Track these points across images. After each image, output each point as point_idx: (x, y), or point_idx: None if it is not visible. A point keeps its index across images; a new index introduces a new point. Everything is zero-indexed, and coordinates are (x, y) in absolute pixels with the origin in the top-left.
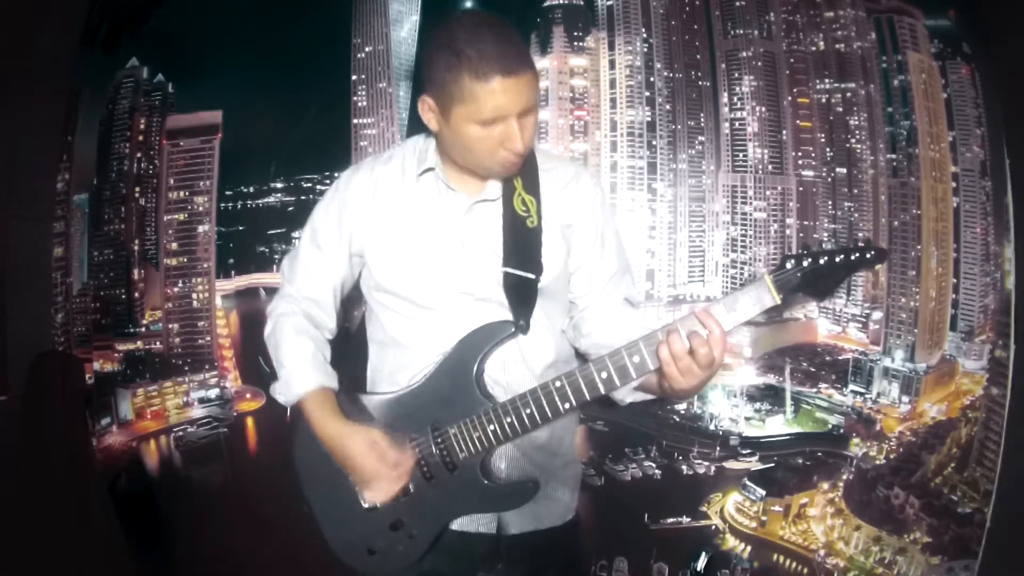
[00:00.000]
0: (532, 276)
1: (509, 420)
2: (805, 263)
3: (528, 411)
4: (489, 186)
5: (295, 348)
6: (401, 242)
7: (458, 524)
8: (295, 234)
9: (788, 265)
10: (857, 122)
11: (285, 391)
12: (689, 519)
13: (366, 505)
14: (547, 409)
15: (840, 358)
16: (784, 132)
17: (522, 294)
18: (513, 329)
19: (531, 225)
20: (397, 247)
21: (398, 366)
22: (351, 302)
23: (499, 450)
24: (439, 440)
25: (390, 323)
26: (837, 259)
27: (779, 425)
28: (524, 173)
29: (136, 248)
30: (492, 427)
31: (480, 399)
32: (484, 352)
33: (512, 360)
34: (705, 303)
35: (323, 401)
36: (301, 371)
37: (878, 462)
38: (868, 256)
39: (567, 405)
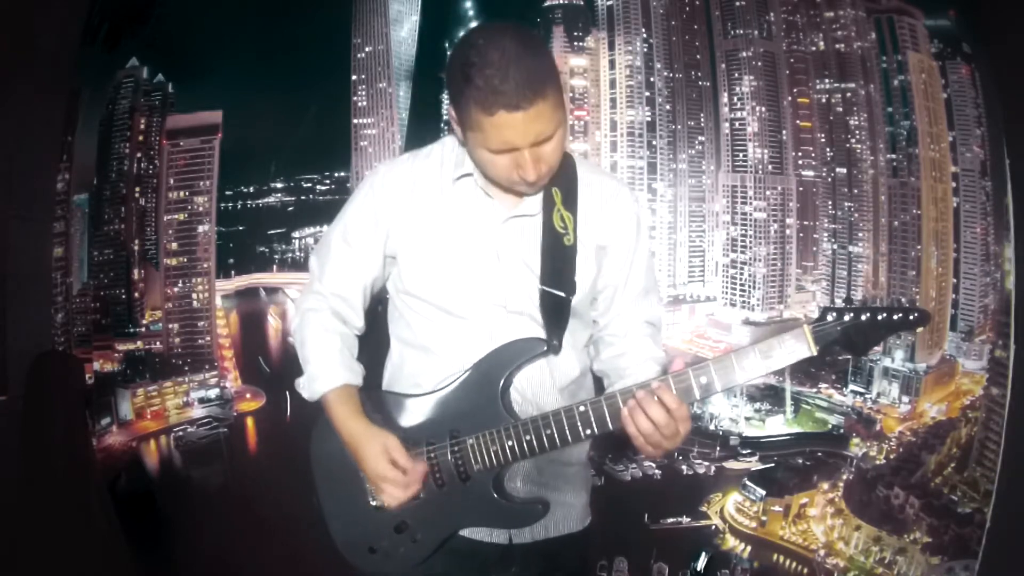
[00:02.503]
0: (566, 295)
1: (528, 439)
2: (846, 317)
3: (548, 432)
4: (528, 198)
5: (321, 345)
6: (435, 249)
7: (472, 530)
8: (295, 234)
9: (829, 318)
10: (857, 122)
11: (308, 386)
12: (689, 519)
13: (374, 504)
14: (568, 433)
15: (840, 358)
16: (784, 132)
17: (556, 313)
18: (545, 348)
19: (568, 243)
20: (430, 253)
21: (422, 369)
22: (374, 296)
23: (514, 466)
24: (455, 449)
25: (417, 326)
26: (879, 317)
27: (779, 425)
28: (564, 187)
29: (136, 248)
30: (510, 443)
31: (502, 414)
32: (513, 368)
33: (538, 374)
34: (739, 348)
35: (345, 399)
36: (326, 368)
37: (878, 462)
38: (911, 318)
39: (588, 431)
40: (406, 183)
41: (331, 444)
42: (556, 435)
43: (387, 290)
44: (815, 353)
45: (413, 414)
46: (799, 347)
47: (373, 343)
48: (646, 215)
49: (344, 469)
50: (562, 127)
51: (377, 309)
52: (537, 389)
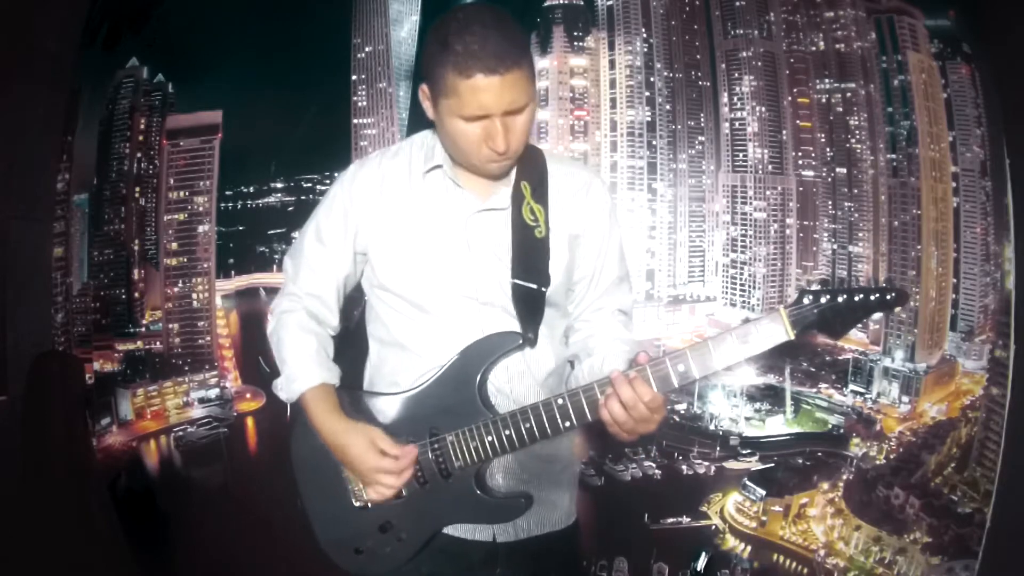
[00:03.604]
0: (540, 288)
1: (508, 433)
2: (823, 299)
3: (527, 426)
4: (498, 191)
5: (297, 345)
6: (406, 242)
7: (456, 529)
8: (295, 234)
9: (805, 300)
10: (857, 122)
11: (287, 387)
12: (689, 519)
13: (357, 504)
14: (547, 426)
15: (840, 358)
16: (784, 132)
17: (530, 306)
18: (520, 341)
19: (539, 235)
20: (402, 247)
21: (399, 367)
22: (351, 300)
23: (496, 461)
24: (436, 447)
25: (392, 323)
26: (856, 298)
27: (779, 425)
28: (533, 180)
29: (136, 248)
30: (490, 438)
31: (481, 409)
32: (489, 363)
33: (515, 367)
34: (717, 333)
35: (324, 397)
36: (303, 368)
37: (878, 462)
38: (888, 298)
39: (567, 424)
40: (375, 179)
41: (312, 446)
42: (535, 428)
43: (364, 291)
44: (792, 337)
45: (391, 413)
46: (776, 331)
47: (355, 347)
48: (618, 204)
49: (326, 470)
50: (532, 104)
51: (358, 308)
52: (515, 384)
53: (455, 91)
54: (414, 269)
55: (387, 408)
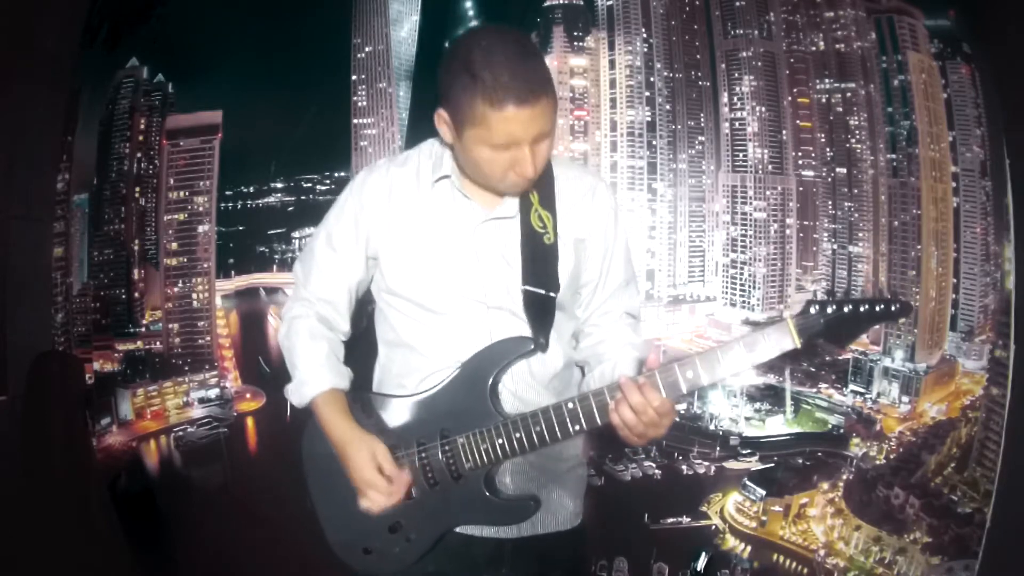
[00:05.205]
0: (551, 294)
1: (518, 436)
2: (829, 310)
3: (538, 429)
4: (505, 201)
5: (309, 351)
6: (414, 248)
7: (463, 527)
8: (295, 234)
9: (812, 311)
10: (857, 122)
11: (297, 391)
12: (689, 519)
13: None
14: (557, 429)
15: (840, 358)
16: (784, 132)
17: (541, 311)
18: (532, 347)
19: (548, 242)
20: (410, 252)
21: (407, 369)
22: (361, 302)
23: (505, 463)
24: (447, 448)
25: (400, 325)
26: (861, 309)
27: (779, 425)
28: (540, 187)
29: (136, 248)
30: (500, 441)
31: (492, 412)
32: (502, 366)
33: (520, 369)
34: (724, 342)
35: (333, 403)
36: (314, 373)
37: (878, 462)
38: (892, 309)
39: (577, 427)
40: (384, 186)
41: (323, 446)
42: (546, 432)
43: (372, 297)
44: (798, 346)
45: (403, 415)
46: (783, 340)
47: (365, 351)
48: (623, 208)
49: (337, 471)
50: (553, 131)
51: (368, 311)
52: (519, 384)
53: (484, 122)
54: (423, 274)
55: (399, 409)
